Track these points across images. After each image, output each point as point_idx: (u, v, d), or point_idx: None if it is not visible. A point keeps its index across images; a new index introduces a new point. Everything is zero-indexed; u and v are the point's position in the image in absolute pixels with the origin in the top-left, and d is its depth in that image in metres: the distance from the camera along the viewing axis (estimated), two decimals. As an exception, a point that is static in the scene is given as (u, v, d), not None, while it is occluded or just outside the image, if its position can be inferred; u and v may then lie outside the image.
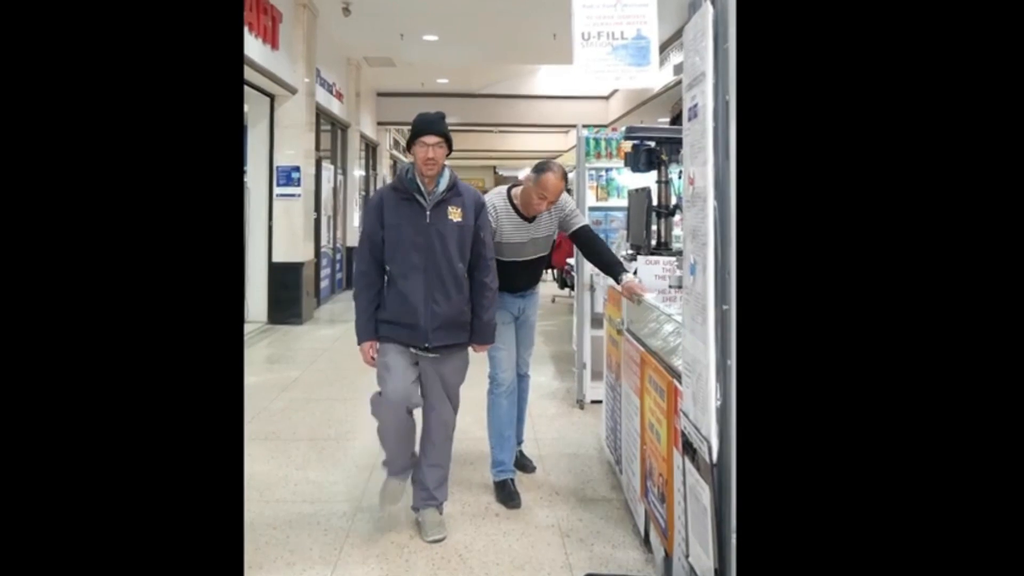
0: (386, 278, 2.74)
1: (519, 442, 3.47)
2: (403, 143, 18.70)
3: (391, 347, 2.71)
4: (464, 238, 2.72)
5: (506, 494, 3.10)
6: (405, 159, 18.86)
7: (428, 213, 2.67)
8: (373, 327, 2.74)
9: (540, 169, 3.02)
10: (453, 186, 2.73)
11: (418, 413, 2.81)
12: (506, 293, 3.15)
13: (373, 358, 2.76)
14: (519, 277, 3.20)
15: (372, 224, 2.74)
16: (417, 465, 2.85)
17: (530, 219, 3.13)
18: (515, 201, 3.12)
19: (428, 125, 2.67)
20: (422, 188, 2.68)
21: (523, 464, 3.46)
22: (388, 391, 2.67)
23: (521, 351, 3.34)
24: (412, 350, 2.71)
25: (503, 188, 3.20)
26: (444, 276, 2.68)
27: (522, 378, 3.41)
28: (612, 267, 3.14)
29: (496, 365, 3.18)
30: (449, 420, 2.84)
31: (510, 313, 3.21)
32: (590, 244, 3.23)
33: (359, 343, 2.77)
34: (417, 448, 2.86)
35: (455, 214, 2.70)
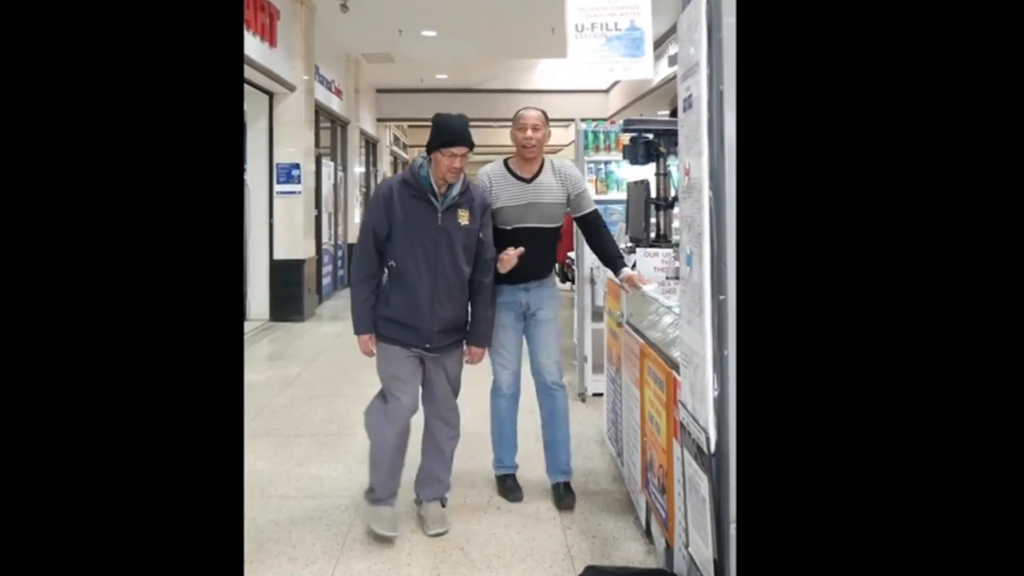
0: (387, 272, 2.69)
1: (563, 472, 3.07)
2: (403, 139, 18.74)
3: (394, 351, 2.70)
4: (471, 241, 2.73)
5: (507, 488, 3.11)
6: (404, 154, 18.78)
7: (440, 216, 2.66)
8: (372, 320, 2.72)
9: (514, 117, 2.95)
10: (466, 190, 2.73)
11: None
12: (505, 284, 2.92)
13: (372, 351, 2.75)
14: (526, 254, 2.84)
15: (379, 217, 2.68)
16: (429, 454, 2.87)
17: (528, 179, 2.93)
18: (511, 165, 2.97)
19: (457, 135, 2.62)
20: (436, 190, 2.66)
21: (559, 496, 3.01)
22: (397, 406, 2.68)
23: (539, 356, 3.02)
24: (413, 350, 2.71)
25: (499, 160, 3.06)
26: (450, 279, 2.68)
27: (549, 392, 3.04)
28: (613, 261, 3.01)
29: (495, 370, 3.02)
30: (456, 407, 2.88)
31: (512, 312, 2.97)
32: (596, 233, 3.03)
33: (357, 333, 2.73)
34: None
35: (464, 217, 2.70)
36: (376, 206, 2.70)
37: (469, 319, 2.83)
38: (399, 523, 2.76)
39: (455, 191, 2.68)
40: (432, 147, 2.65)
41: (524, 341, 3.06)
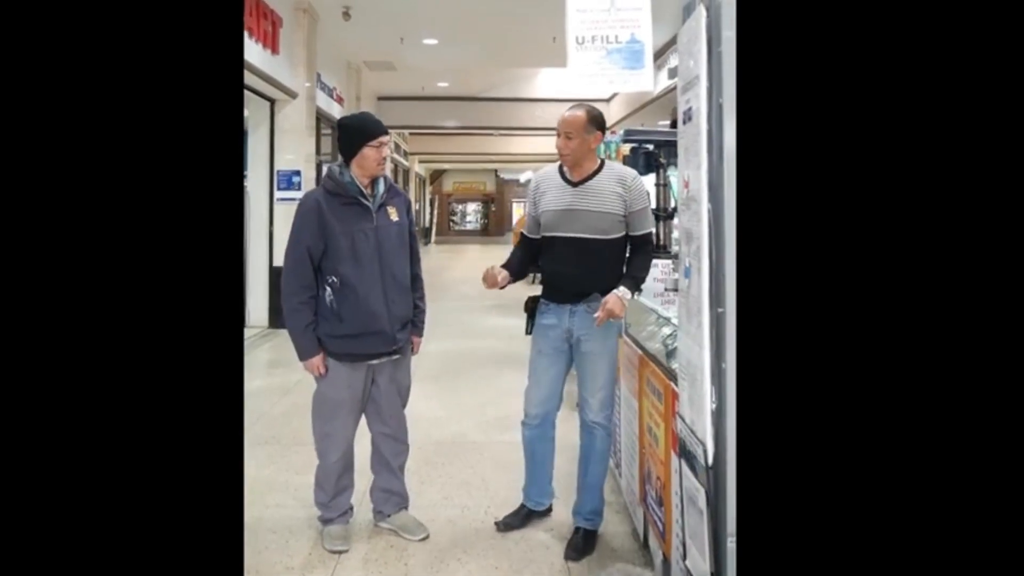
0: (330, 290, 2.59)
1: (586, 520, 2.74)
2: (404, 147, 18.80)
3: (342, 375, 2.65)
4: (404, 235, 2.74)
5: (509, 516, 2.90)
6: (404, 161, 18.81)
7: (375, 215, 2.64)
8: (316, 339, 2.62)
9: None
10: (390, 186, 2.74)
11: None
12: (552, 303, 2.66)
13: (323, 368, 2.65)
14: (565, 269, 2.61)
15: (311, 235, 2.57)
16: (381, 473, 2.86)
17: (575, 182, 2.62)
18: (563, 167, 2.68)
19: (378, 126, 2.64)
20: (364, 191, 2.64)
21: (572, 543, 2.69)
22: (342, 434, 2.71)
23: (581, 390, 2.67)
24: (373, 361, 2.68)
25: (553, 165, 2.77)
26: (396, 275, 2.68)
27: (588, 430, 2.68)
28: (621, 278, 2.59)
29: (525, 398, 2.77)
30: (404, 422, 2.86)
31: (552, 339, 2.66)
32: (635, 253, 2.66)
33: (305, 359, 2.63)
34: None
35: (393, 213, 2.71)
36: (306, 224, 2.58)
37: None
38: (352, 539, 2.77)
39: (381, 188, 2.68)
40: (357, 146, 2.59)
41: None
